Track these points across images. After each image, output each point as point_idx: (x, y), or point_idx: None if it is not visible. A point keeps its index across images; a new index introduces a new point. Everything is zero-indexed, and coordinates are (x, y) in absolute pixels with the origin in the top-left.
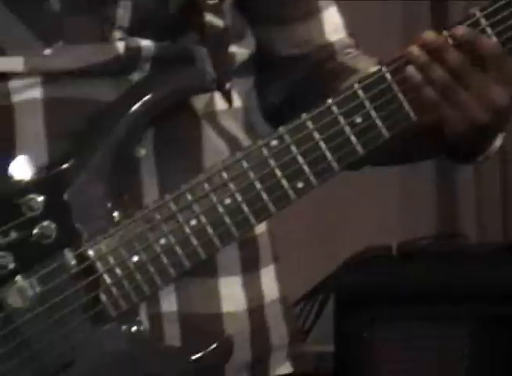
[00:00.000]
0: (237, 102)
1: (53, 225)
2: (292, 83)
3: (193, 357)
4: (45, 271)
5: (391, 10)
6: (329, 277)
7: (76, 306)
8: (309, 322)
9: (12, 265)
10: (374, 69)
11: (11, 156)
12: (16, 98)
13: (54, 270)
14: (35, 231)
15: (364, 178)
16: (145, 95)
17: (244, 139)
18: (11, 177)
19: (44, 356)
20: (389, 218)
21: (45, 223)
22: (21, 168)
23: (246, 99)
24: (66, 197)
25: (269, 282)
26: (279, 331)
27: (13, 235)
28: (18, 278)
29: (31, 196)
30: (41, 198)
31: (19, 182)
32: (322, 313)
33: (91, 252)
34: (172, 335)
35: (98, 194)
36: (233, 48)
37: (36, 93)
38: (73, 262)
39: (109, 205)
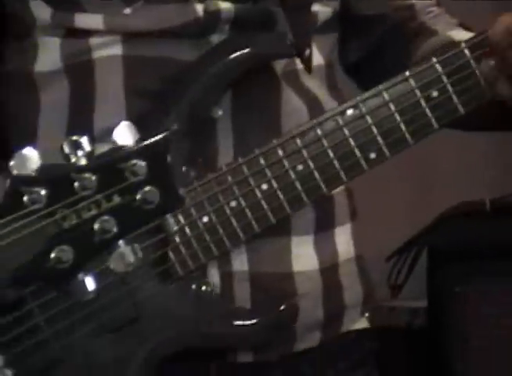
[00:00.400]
0: (319, 59)
1: (156, 191)
2: (370, 43)
3: (262, 318)
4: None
5: None
6: (422, 232)
7: (144, 263)
8: (402, 277)
9: (115, 230)
10: (452, 37)
11: (92, 113)
12: (96, 54)
13: (156, 235)
14: (138, 196)
15: (459, 134)
16: (224, 57)
17: (326, 98)
18: (114, 142)
19: (109, 311)
20: (483, 173)
21: (148, 189)
22: (124, 134)
23: (329, 56)
24: (168, 162)
25: (344, 241)
26: (353, 291)
27: (116, 200)
28: (120, 243)
29: (134, 161)
30: (144, 164)
31: (123, 147)
32: (415, 268)
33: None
34: (242, 294)
35: (178, 154)
36: (316, 7)
37: (116, 50)
38: (176, 227)
39: (184, 166)
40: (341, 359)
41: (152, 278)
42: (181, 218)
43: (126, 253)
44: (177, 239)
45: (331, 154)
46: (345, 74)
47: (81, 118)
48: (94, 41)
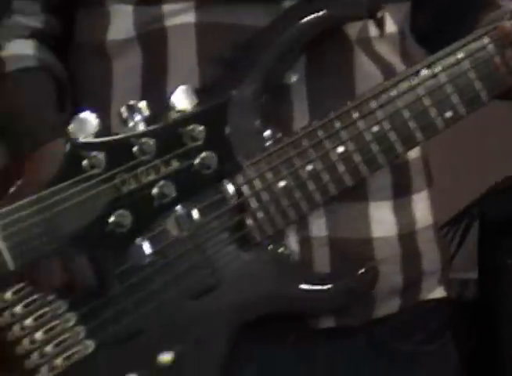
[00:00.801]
0: (392, 27)
1: (214, 156)
2: (440, 11)
3: (341, 283)
4: (206, 202)
5: None
6: (474, 203)
7: (221, 230)
8: (453, 248)
9: (173, 194)
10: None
11: (165, 81)
12: (169, 22)
13: (214, 201)
14: (196, 161)
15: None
16: (297, 21)
17: (399, 66)
18: (173, 107)
19: (187, 279)
20: None
21: (206, 154)
22: (182, 98)
23: (402, 25)
24: (227, 128)
25: (422, 208)
26: (431, 257)
27: (175, 164)
28: (178, 207)
29: (193, 126)
30: (202, 128)
31: (182, 112)
32: (466, 240)
33: (238, 177)
34: (321, 260)
35: (249, 120)
36: None
37: (189, 18)
38: (233, 192)
39: (259, 131)
40: (419, 328)
41: (229, 245)
42: (257, 183)
43: (184, 217)
44: (254, 204)
45: (406, 114)
46: (417, 43)
47: (154, 87)
48: (167, 8)
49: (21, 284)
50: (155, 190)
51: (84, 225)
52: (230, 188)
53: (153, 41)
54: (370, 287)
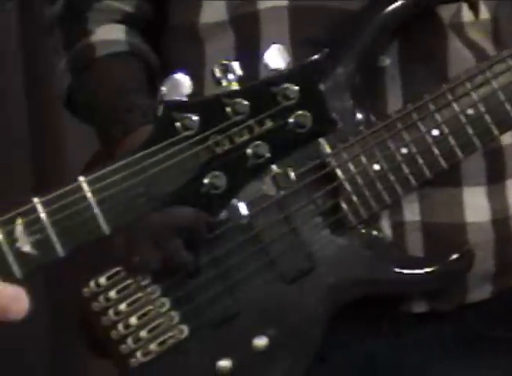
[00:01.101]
0: (485, 14)
1: (308, 115)
2: None
3: (437, 266)
4: (302, 161)
5: None
6: None
7: (316, 213)
8: None
9: (268, 155)
10: None
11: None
12: (262, 5)
13: (309, 160)
14: (290, 120)
15: None
16: (391, 3)
17: (492, 52)
18: (266, 66)
19: (282, 263)
20: None
21: (301, 112)
22: (275, 58)
23: (496, 11)
24: (321, 87)
25: None
26: None
27: (269, 124)
28: (273, 167)
29: (286, 85)
30: (296, 87)
31: (275, 71)
32: None
33: (332, 160)
34: (414, 244)
35: (342, 103)
36: None
37: (282, 1)
38: (328, 151)
39: (352, 114)
40: (510, 314)
41: (324, 228)
42: (351, 166)
43: (279, 177)
44: (348, 188)
45: (502, 96)
46: None
47: (246, 70)
48: None
49: (115, 269)
50: (249, 150)
51: (179, 187)
52: (325, 147)
53: (245, 24)
54: (465, 272)
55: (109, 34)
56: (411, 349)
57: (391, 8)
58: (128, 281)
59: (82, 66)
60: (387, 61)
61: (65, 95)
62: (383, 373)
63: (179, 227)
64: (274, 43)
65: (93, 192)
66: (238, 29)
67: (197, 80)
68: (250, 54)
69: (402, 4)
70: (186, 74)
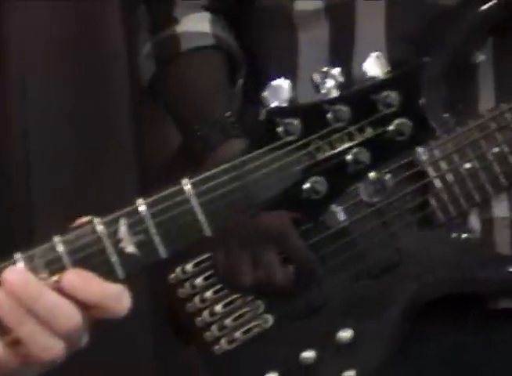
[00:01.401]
0: None
1: (409, 123)
2: None
3: None
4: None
5: None
6: None
7: (406, 208)
8: None
9: (367, 161)
10: None
11: (351, 55)
12: None
13: (406, 168)
14: (390, 128)
15: None
16: (485, 3)
17: None
18: (365, 73)
19: (371, 256)
20: None
21: (401, 120)
22: (374, 65)
23: None
24: (421, 93)
25: None
26: None
27: (369, 131)
28: (371, 174)
29: (387, 92)
30: (396, 94)
31: (375, 78)
32: None
33: (423, 157)
34: (503, 241)
35: (434, 99)
36: None
37: None
38: (425, 157)
39: (443, 111)
40: None
41: (413, 224)
42: (443, 164)
43: (377, 183)
44: (438, 185)
45: None
46: None
47: (340, 59)
48: None
49: (203, 256)
50: (349, 157)
51: (280, 192)
52: (423, 155)
53: (341, 13)
54: None
55: (195, 25)
56: (498, 347)
57: (486, 6)
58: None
59: (166, 57)
60: (481, 57)
61: (148, 80)
62: (469, 368)
63: (274, 234)
64: (371, 52)
65: (196, 194)
66: (333, 18)
67: (291, 65)
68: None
69: (498, 3)
70: (286, 78)
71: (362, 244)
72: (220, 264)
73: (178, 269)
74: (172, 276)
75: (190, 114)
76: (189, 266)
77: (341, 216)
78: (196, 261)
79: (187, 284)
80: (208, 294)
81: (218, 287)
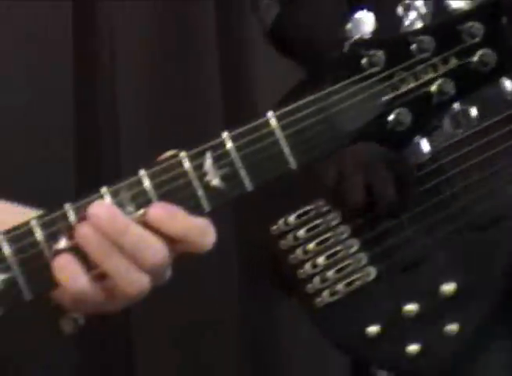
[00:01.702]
0: None
1: (493, 53)
2: None
3: None
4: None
5: None
6: None
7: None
8: None
9: (452, 92)
10: None
11: None
12: None
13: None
14: (475, 59)
15: None
16: None
17: None
18: (448, 5)
19: (476, 208)
20: None
21: (485, 51)
22: None
23: None
24: (505, 23)
25: None
26: None
27: (453, 62)
28: (456, 105)
29: (471, 23)
30: (480, 25)
31: (459, 9)
32: None
33: None
34: None
35: None
36: None
37: None
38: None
39: None
40: None
41: None
42: None
43: (461, 114)
44: None
45: None
46: None
47: None
48: None
49: (306, 208)
50: (433, 88)
51: (364, 124)
52: (509, 85)
53: None
54: None
55: None
56: None
57: None
58: (318, 221)
59: None
60: None
61: (270, 24)
62: None
63: (389, 167)
64: None
65: (281, 127)
66: None
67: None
68: None
69: None
70: (369, 10)
71: (469, 196)
72: (332, 184)
73: (281, 221)
74: (274, 227)
75: (318, 47)
76: (291, 218)
77: (426, 147)
78: (298, 212)
79: (290, 236)
80: (311, 246)
81: (321, 238)
